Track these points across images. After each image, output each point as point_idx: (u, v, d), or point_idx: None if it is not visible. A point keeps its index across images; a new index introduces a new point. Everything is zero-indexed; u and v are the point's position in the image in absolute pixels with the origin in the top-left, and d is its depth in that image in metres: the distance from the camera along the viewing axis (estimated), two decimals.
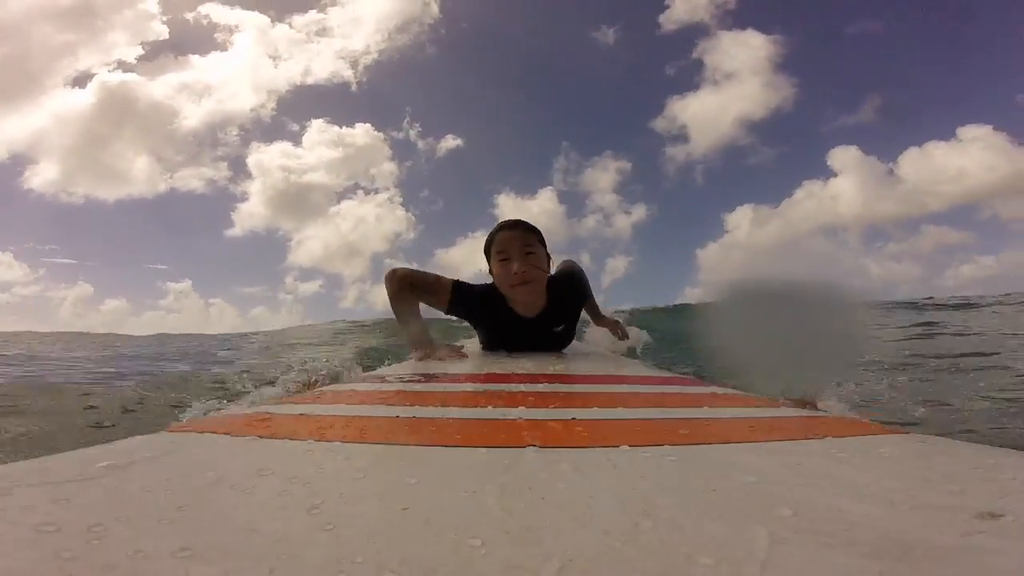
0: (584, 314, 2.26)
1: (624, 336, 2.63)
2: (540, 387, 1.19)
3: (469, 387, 1.15)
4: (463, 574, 0.32)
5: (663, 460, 0.57)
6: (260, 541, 0.36)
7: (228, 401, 2.87)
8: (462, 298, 1.76)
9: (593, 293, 2.13)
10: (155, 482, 0.49)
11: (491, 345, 1.83)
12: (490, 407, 0.90)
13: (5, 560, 0.33)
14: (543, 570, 0.33)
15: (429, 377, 1.34)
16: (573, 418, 0.81)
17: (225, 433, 0.69)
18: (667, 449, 0.61)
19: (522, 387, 1.17)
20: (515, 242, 1.64)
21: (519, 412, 0.85)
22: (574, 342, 2.89)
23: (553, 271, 1.90)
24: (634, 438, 0.66)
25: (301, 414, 0.85)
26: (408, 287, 1.77)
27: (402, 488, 0.48)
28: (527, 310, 1.69)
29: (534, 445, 0.62)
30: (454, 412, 0.88)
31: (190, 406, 2.70)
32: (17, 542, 0.35)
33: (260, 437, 0.68)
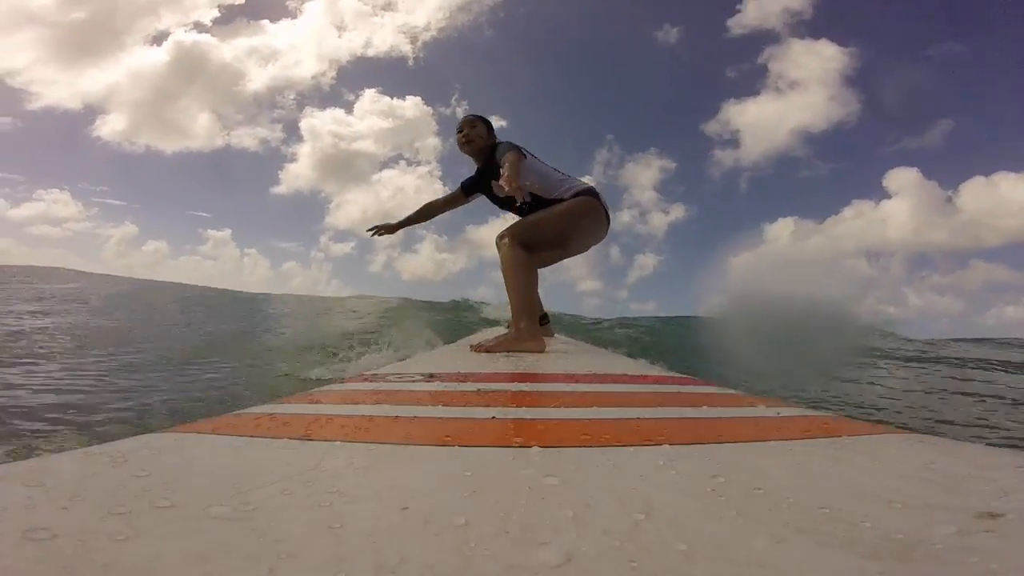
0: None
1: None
2: (540, 387, 1.19)
3: (470, 387, 1.15)
4: (463, 574, 0.32)
5: (663, 460, 0.57)
6: (260, 541, 0.36)
7: None
8: (468, 183, 2.68)
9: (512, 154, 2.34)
10: (155, 482, 0.49)
11: (471, 189, 2.69)
12: (491, 407, 0.90)
13: (5, 560, 0.33)
14: (543, 570, 0.33)
15: (429, 377, 1.34)
16: (573, 418, 0.81)
17: (225, 433, 0.69)
18: (667, 449, 0.61)
19: (523, 387, 1.17)
20: (464, 123, 2.54)
21: (519, 412, 0.85)
22: (567, 338, 2.91)
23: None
24: (634, 438, 0.66)
25: (301, 414, 0.85)
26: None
27: (402, 488, 0.48)
28: (476, 161, 2.58)
29: (534, 445, 0.62)
30: (454, 412, 0.88)
31: None
32: (17, 542, 0.35)
33: (260, 437, 0.68)
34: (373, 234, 2.83)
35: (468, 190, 2.69)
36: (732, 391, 1.19)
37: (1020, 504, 0.43)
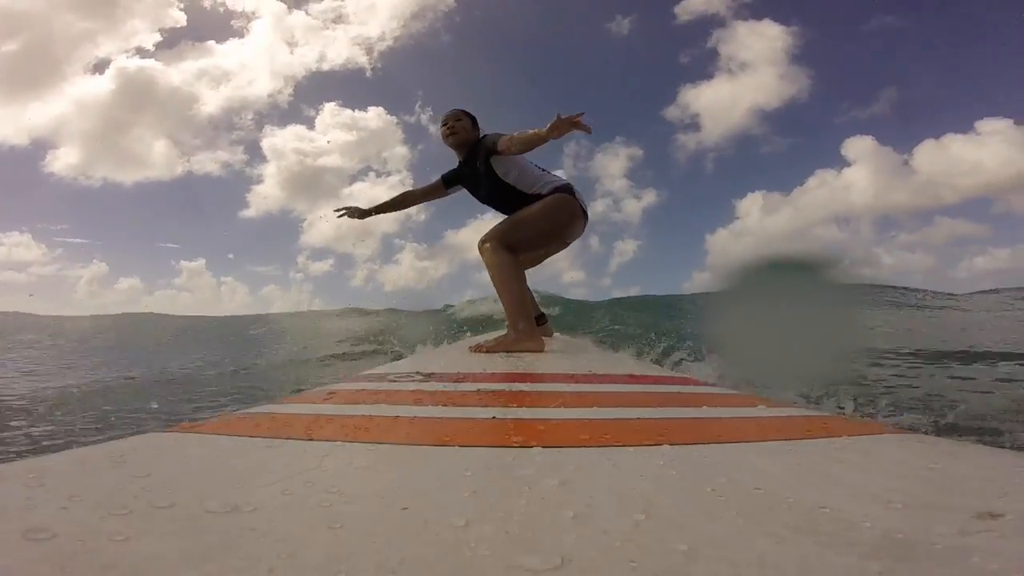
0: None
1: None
2: (540, 387, 1.19)
3: (470, 387, 1.15)
4: (463, 574, 0.32)
5: (663, 460, 0.57)
6: (260, 541, 0.36)
7: None
8: (449, 175, 2.67)
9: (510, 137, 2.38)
10: (155, 482, 0.49)
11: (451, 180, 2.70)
12: (491, 407, 0.90)
13: (5, 560, 0.33)
14: (543, 570, 0.33)
15: (429, 377, 1.34)
16: (573, 418, 0.81)
17: (225, 433, 0.69)
18: (667, 449, 0.61)
19: (522, 387, 1.17)
20: (449, 117, 2.56)
21: (519, 412, 0.85)
22: (565, 337, 2.91)
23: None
24: (634, 438, 0.66)
25: (301, 414, 0.85)
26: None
27: (402, 488, 0.48)
28: (459, 154, 2.59)
29: (534, 445, 0.62)
30: (454, 412, 0.88)
31: None
32: (17, 542, 0.35)
33: (260, 437, 0.68)
34: (340, 215, 2.79)
35: (449, 182, 2.68)
36: (732, 391, 1.19)
37: (1020, 504, 0.43)
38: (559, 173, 2.56)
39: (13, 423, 2.46)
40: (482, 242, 2.35)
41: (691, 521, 0.40)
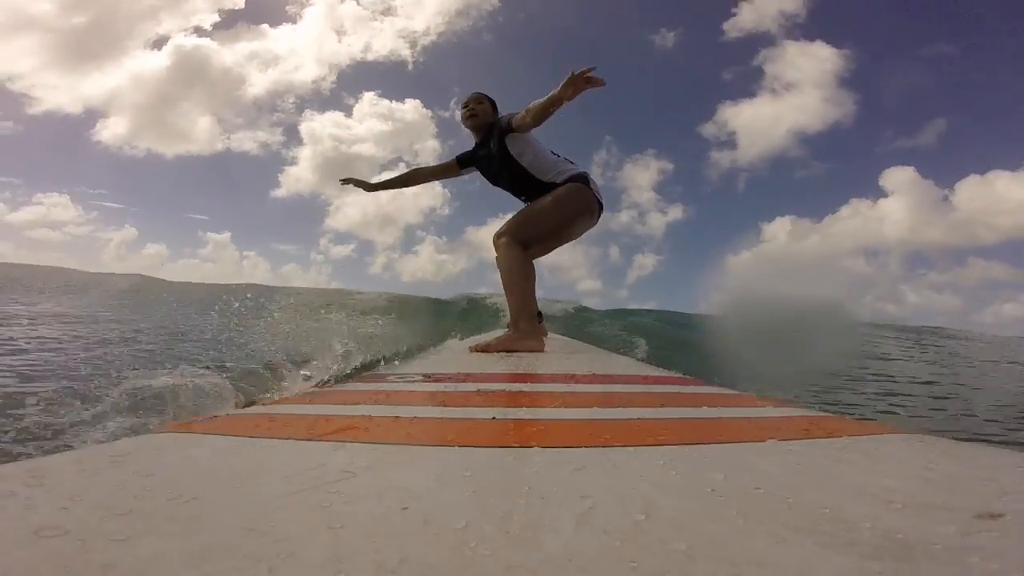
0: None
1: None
2: (540, 387, 1.19)
3: (470, 387, 1.15)
4: (463, 574, 0.32)
5: (663, 460, 0.57)
6: (260, 541, 0.36)
7: None
8: (464, 156, 2.68)
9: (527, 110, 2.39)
10: (155, 482, 0.49)
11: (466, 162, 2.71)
12: (491, 407, 0.90)
13: (5, 560, 0.33)
14: (543, 570, 0.33)
15: (429, 377, 1.34)
16: (573, 418, 0.81)
17: (225, 433, 0.69)
18: (667, 449, 0.61)
19: (523, 387, 1.17)
20: (471, 99, 2.59)
21: (519, 412, 0.85)
22: (563, 337, 2.92)
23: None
24: (634, 438, 0.66)
25: (301, 414, 0.85)
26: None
27: (402, 488, 0.48)
28: (476, 136, 2.62)
29: (534, 445, 0.62)
30: (454, 412, 0.88)
31: None
32: (17, 542, 0.35)
33: (260, 437, 0.68)
34: (344, 184, 2.77)
35: (463, 163, 2.69)
36: (732, 391, 1.19)
37: (1020, 504, 0.43)
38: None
39: None
40: (497, 236, 2.35)
41: (691, 521, 0.40)
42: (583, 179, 2.42)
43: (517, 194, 2.55)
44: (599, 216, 2.54)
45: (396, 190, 2.86)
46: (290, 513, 0.42)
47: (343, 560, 0.33)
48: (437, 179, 2.83)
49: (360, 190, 2.75)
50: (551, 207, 2.37)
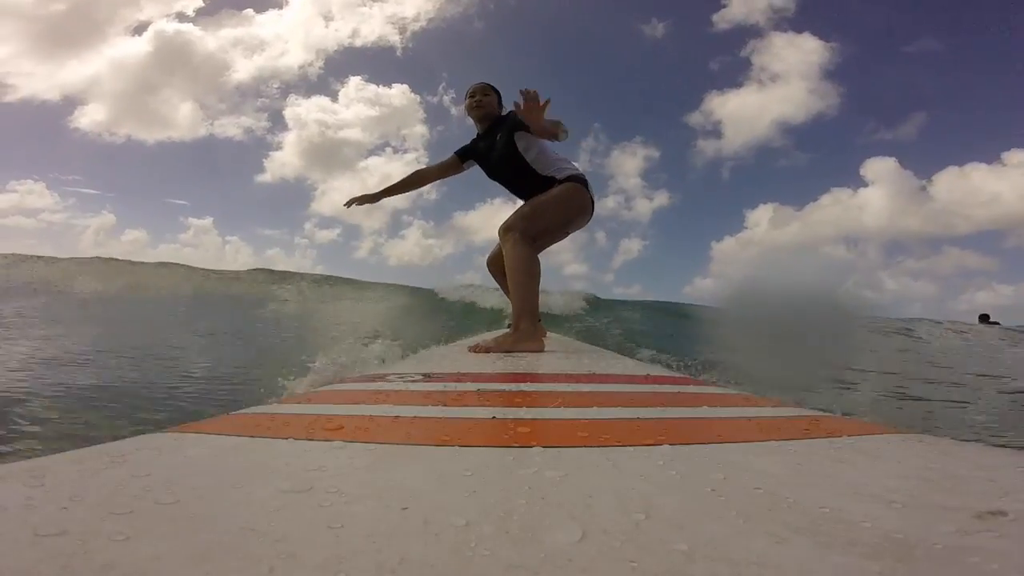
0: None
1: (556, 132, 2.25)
2: (540, 387, 1.19)
3: (470, 387, 1.15)
4: (463, 574, 0.32)
5: (663, 460, 0.57)
6: (260, 541, 0.36)
7: None
8: (463, 150, 2.68)
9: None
10: (155, 482, 0.49)
11: (466, 153, 2.69)
12: (491, 407, 0.90)
13: (5, 560, 0.33)
14: (543, 570, 0.33)
15: (429, 377, 1.34)
16: (573, 418, 0.81)
17: (225, 433, 0.69)
18: (667, 449, 0.61)
19: (522, 387, 1.17)
20: (477, 89, 2.58)
21: (519, 412, 0.85)
22: (563, 338, 2.92)
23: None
24: (634, 438, 0.66)
25: (301, 414, 0.85)
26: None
27: (402, 488, 0.48)
28: (481, 127, 2.61)
29: (534, 445, 0.62)
30: (454, 412, 0.88)
31: None
32: (17, 542, 0.35)
33: (260, 437, 0.68)
34: (349, 205, 2.74)
35: (464, 156, 2.67)
36: (732, 391, 1.19)
37: (1020, 504, 0.43)
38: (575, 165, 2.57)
39: None
40: (504, 230, 2.33)
41: (691, 521, 0.40)
42: (582, 180, 2.44)
43: (514, 188, 2.56)
44: (591, 216, 2.57)
45: (398, 194, 2.82)
46: (290, 513, 0.42)
47: (343, 560, 0.33)
48: (441, 178, 2.80)
49: (368, 204, 2.74)
50: (556, 203, 2.38)
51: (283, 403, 1.00)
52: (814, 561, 0.34)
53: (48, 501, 0.43)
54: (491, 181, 2.62)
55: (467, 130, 2.66)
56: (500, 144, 2.46)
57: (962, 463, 0.58)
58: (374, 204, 2.75)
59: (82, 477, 0.50)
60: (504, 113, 2.56)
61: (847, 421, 0.83)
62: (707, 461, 0.58)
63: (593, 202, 2.50)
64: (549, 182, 2.41)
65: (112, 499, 0.44)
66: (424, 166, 2.84)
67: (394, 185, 2.76)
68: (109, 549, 0.34)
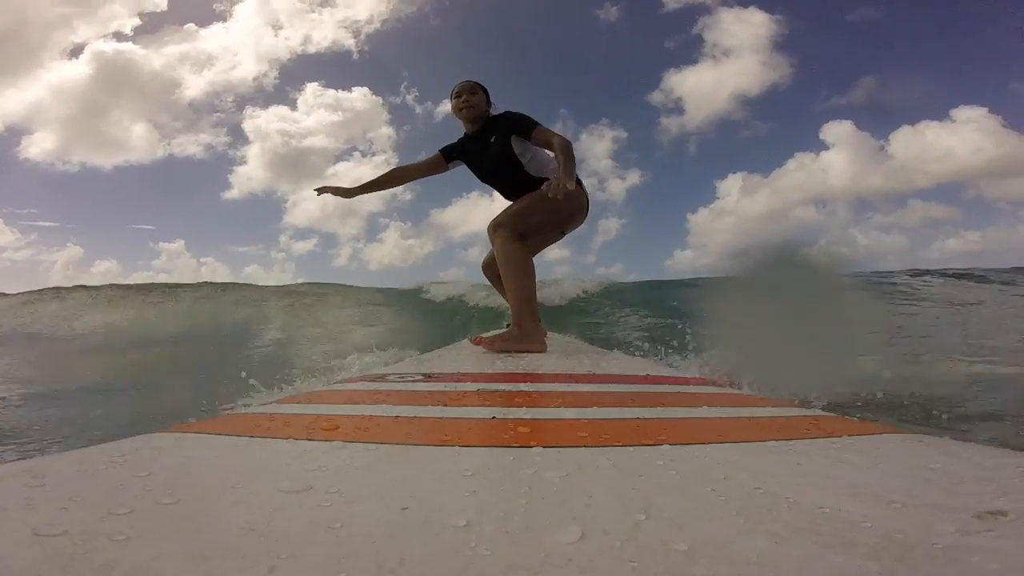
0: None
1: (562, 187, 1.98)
2: (540, 387, 1.19)
3: (470, 387, 1.15)
4: (463, 574, 0.32)
5: (663, 460, 0.57)
6: (260, 541, 0.36)
7: None
8: (449, 149, 2.57)
9: (545, 134, 2.33)
10: (155, 482, 0.49)
11: (452, 153, 2.59)
12: (491, 407, 0.90)
13: (5, 559, 0.33)
14: (543, 570, 0.33)
15: (429, 377, 1.34)
16: (573, 418, 0.81)
17: (225, 433, 0.69)
18: (667, 449, 0.61)
19: (522, 387, 1.17)
20: (464, 89, 2.46)
21: (519, 412, 0.85)
22: (564, 337, 2.91)
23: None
24: (634, 438, 0.66)
25: (301, 414, 0.85)
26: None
27: (402, 488, 0.48)
28: (471, 128, 2.49)
29: (534, 445, 0.62)
30: (454, 412, 0.88)
31: None
32: (17, 542, 0.35)
33: (260, 437, 0.68)
34: (320, 193, 2.63)
35: (450, 156, 2.55)
36: (732, 391, 1.19)
37: (1021, 504, 0.43)
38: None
39: None
40: (493, 227, 2.28)
41: (691, 521, 0.40)
42: (577, 181, 2.41)
43: (507, 190, 2.50)
44: (587, 215, 2.54)
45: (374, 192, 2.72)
46: (290, 513, 0.42)
47: (343, 560, 0.33)
48: (422, 177, 2.69)
49: (343, 200, 2.64)
50: (546, 200, 2.24)
51: (283, 403, 1.00)
52: (814, 561, 0.34)
53: (48, 501, 0.43)
54: (470, 177, 2.55)
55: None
56: (495, 146, 2.39)
57: (962, 463, 0.58)
58: (347, 200, 2.64)
59: (82, 477, 0.50)
60: (495, 113, 2.48)
61: (847, 421, 0.83)
62: (707, 461, 0.58)
63: (588, 199, 2.47)
64: (541, 183, 2.38)
65: (112, 499, 0.44)
66: (395, 167, 2.74)
67: (371, 182, 2.66)
68: (109, 549, 0.34)
